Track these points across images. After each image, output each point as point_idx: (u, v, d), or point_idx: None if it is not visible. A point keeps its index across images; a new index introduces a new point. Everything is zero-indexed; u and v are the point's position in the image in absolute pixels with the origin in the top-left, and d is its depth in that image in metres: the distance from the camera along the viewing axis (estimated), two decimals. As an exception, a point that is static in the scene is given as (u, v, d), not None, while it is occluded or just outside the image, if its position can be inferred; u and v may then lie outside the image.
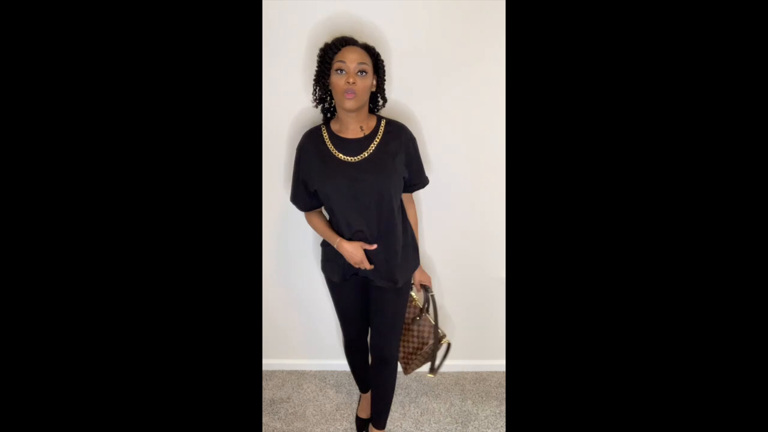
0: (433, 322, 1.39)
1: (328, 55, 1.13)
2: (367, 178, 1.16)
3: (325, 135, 1.21)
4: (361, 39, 1.19)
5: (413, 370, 1.46)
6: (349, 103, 1.11)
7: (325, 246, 1.32)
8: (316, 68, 1.17)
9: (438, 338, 1.38)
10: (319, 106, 1.25)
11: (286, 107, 1.45)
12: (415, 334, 1.41)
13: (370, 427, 1.50)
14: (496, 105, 1.44)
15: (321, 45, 1.17)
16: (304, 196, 1.26)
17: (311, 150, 1.20)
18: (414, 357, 1.41)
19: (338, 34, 1.33)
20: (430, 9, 1.33)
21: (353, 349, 1.51)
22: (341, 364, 1.85)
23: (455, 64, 1.40)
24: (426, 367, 1.47)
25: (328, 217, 1.32)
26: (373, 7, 1.33)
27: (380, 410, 1.45)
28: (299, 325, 1.79)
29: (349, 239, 1.22)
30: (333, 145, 1.19)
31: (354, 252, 1.20)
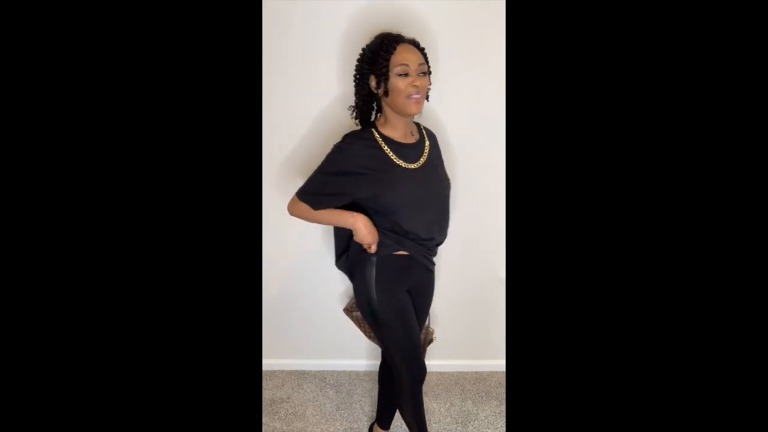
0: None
1: (383, 57, 1.02)
2: (430, 185, 1.12)
3: (379, 140, 1.09)
4: (407, 33, 1.10)
5: None
6: (415, 108, 1.04)
7: (380, 271, 1.14)
8: (357, 73, 1.09)
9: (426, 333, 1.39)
10: (355, 112, 1.16)
11: (294, 105, 1.45)
12: None
13: (375, 426, 1.49)
14: (497, 105, 1.44)
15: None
16: (335, 200, 1.11)
17: (364, 155, 1.07)
18: None
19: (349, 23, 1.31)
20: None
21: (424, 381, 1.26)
22: (341, 364, 1.86)
23: (459, 62, 1.40)
24: None
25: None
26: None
27: (391, 410, 1.43)
28: (299, 325, 1.79)
29: (394, 255, 1.13)
30: (392, 151, 1.09)
31: (371, 232, 1.10)
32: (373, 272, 1.14)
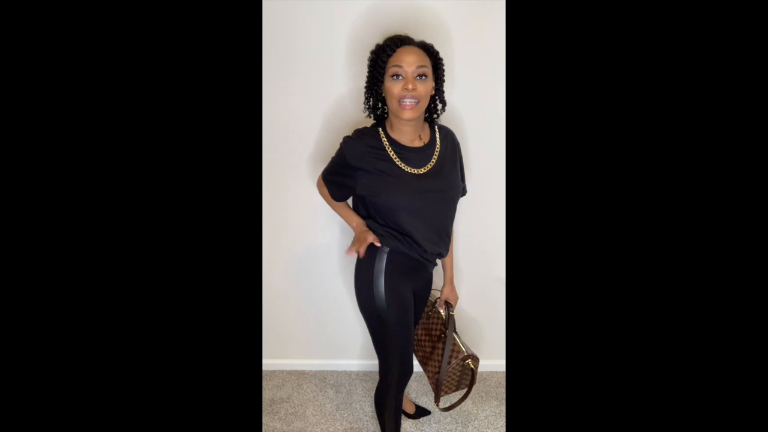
0: (458, 340, 1.31)
1: (382, 58, 1.00)
2: (436, 192, 1.07)
3: (385, 142, 1.07)
4: (415, 35, 1.07)
5: (445, 394, 1.35)
6: (408, 114, 0.99)
7: (391, 264, 1.12)
8: (368, 74, 1.06)
9: (463, 357, 1.28)
10: (371, 115, 1.14)
11: (296, 104, 1.46)
12: (440, 352, 1.30)
13: None
14: (498, 104, 1.44)
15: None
16: (345, 191, 1.14)
17: (368, 154, 1.05)
18: (441, 378, 1.30)
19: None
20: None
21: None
22: (341, 364, 1.86)
23: (460, 59, 1.39)
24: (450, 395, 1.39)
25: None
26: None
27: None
28: (299, 325, 1.79)
29: (403, 252, 1.12)
30: (396, 154, 1.06)
31: (359, 239, 1.12)
32: (383, 265, 1.12)
